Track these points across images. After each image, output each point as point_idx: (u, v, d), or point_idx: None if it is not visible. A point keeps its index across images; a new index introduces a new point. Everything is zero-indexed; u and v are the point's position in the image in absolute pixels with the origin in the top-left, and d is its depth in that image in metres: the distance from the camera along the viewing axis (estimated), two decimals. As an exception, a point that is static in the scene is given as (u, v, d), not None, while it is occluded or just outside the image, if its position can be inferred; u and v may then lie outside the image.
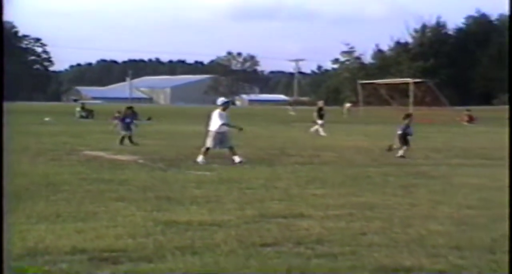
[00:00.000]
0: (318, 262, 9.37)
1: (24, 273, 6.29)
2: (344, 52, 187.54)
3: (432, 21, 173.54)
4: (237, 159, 24.51)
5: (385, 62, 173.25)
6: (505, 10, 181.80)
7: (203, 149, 24.95)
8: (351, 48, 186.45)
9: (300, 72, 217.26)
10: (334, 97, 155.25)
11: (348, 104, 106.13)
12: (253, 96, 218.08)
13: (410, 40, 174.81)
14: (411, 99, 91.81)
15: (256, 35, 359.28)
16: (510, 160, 6.40)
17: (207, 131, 25.71)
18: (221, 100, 27.24)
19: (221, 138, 25.49)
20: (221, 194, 16.06)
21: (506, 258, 9.85)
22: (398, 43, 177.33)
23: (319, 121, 47.55)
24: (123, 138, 32.17)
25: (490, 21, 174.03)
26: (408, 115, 31.20)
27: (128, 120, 33.08)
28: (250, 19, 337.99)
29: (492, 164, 25.07)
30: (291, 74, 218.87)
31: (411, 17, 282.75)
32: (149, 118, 65.64)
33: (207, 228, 11.69)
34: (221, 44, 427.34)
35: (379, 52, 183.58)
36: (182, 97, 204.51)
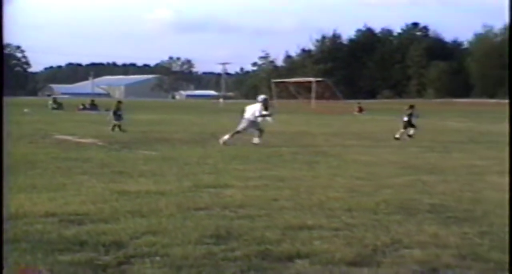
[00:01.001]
0: (239, 222, 9.38)
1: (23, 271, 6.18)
2: (261, 57, 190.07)
3: (330, 33, 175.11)
4: (256, 140, 25.19)
5: (293, 65, 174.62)
6: (388, 24, 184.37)
7: (233, 132, 25.61)
8: (267, 54, 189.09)
9: (227, 73, 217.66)
10: (253, 93, 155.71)
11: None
12: (189, 92, 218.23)
13: (313, 48, 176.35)
14: (313, 95, 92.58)
15: (192, 44, 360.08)
16: (510, 158, 6.34)
17: (242, 119, 26.25)
18: (261, 97, 28.11)
19: (254, 124, 26.07)
20: (164, 169, 16.03)
21: (387, 219, 9.99)
22: (303, 50, 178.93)
23: (264, 112, 47.46)
24: (114, 126, 31.60)
25: (375, 34, 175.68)
26: (411, 106, 30.91)
27: (119, 112, 32.60)
28: (188, 31, 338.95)
29: (377, 144, 25.37)
30: (219, 74, 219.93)
31: (314, 30, 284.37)
32: (107, 110, 65.20)
33: (152, 196, 11.65)
34: (165, 50, 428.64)
35: (288, 57, 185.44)
36: (133, 93, 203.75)
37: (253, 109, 26.36)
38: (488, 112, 66.76)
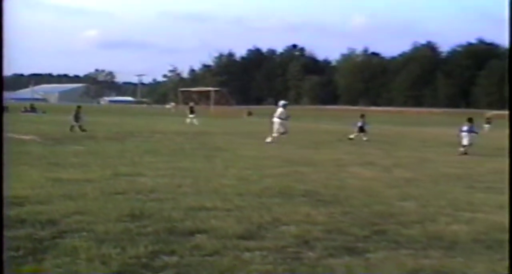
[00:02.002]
0: (151, 204, 9.35)
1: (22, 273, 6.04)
2: (170, 70, 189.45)
3: (226, 52, 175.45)
4: (269, 139, 25.54)
5: (196, 77, 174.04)
6: (272, 45, 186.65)
7: (276, 133, 26.02)
8: (175, 68, 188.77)
9: (142, 83, 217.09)
10: (163, 99, 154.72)
11: (172, 104, 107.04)
12: (111, 98, 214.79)
13: (212, 63, 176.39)
14: (212, 101, 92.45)
15: (115, 58, 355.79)
16: (510, 158, 6.39)
17: (272, 122, 26.90)
18: (282, 102, 27.96)
19: (284, 125, 26.54)
20: (90, 161, 15.78)
21: (269, 202, 10.11)
22: (204, 65, 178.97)
23: (191, 115, 47.32)
24: (72, 127, 30.45)
25: (262, 53, 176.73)
26: (362, 115, 30.58)
27: (79, 115, 31.53)
28: (111, 47, 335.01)
29: (262, 142, 25.52)
30: (136, 84, 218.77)
31: (213, 49, 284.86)
32: (44, 112, 64.45)
33: (80, 183, 11.48)
34: (92, 63, 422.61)
35: (192, 71, 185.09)
36: (66, 99, 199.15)
37: (280, 113, 26.83)
38: (351, 117, 67.84)
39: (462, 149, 22.25)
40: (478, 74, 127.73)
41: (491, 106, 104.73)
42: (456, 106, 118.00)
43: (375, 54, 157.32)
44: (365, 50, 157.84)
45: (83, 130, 29.85)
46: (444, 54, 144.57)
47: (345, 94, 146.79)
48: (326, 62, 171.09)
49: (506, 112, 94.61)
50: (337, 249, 6.91)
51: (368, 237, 7.61)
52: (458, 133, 23.50)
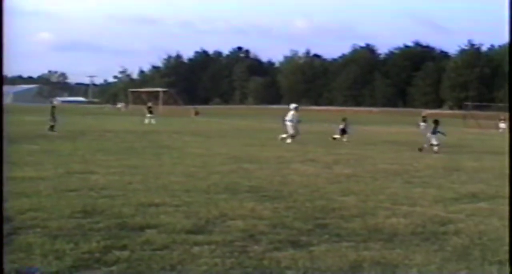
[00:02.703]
0: (102, 201, 9.27)
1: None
2: (120, 72, 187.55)
3: (174, 54, 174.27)
4: (289, 140, 25.50)
5: (145, 78, 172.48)
6: (219, 48, 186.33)
7: (289, 135, 25.95)
8: (125, 69, 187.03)
9: (94, 84, 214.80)
10: (113, 99, 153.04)
11: (121, 104, 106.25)
12: (64, 98, 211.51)
13: (161, 65, 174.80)
14: (160, 101, 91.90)
15: (67, 60, 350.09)
16: (510, 159, 6.34)
17: (284, 125, 26.99)
18: (294, 106, 27.87)
19: (295, 126, 26.40)
20: (43, 159, 15.58)
21: (216, 197, 10.11)
22: (153, 66, 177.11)
23: (149, 115, 46.93)
24: (52, 126, 29.52)
25: (208, 55, 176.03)
26: (344, 119, 28.89)
27: (54, 115, 30.74)
28: (63, 50, 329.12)
29: (209, 140, 25.48)
30: (88, 85, 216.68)
31: (162, 51, 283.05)
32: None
33: (34, 181, 11.34)
34: (45, 65, 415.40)
35: (142, 72, 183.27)
36: (20, 99, 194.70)
37: (291, 116, 26.77)
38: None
39: (435, 148, 22.32)
40: (414, 75, 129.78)
41: (426, 105, 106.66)
42: (394, 105, 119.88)
43: (316, 56, 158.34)
44: (307, 52, 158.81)
45: (52, 129, 29.26)
46: (382, 56, 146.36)
47: (288, 94, 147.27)
48: (270, 64, 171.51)
49: (442, 111, 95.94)
50: (282, 242, 6.96)
51: (311, 230, 7.68)
52: (427, 135, 23.59)
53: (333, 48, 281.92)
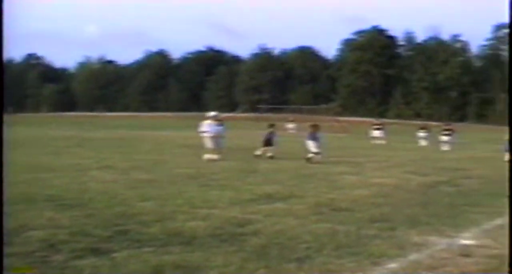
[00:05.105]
0: None
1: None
2: None
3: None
4: (211, 156, 20.64)
5: None
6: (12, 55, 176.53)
7: (210, 151, 21.12)
8: None
9: None
10: None
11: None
12: None
13: None
14: None
15: None
16: (510, 159, 6.15)
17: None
18: (212, 114, 23.01)
19: (215, 139, 21.64)
20: None
21: (13, 208, 9.71)
22: None
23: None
24: None
25: (112, 62, 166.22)
26: (272, 125, 24.04)
27: None
28: None
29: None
30: None
31: None
32: None
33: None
34: None
35: None
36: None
37: (205, 125, 22.17)
38: (88, 123, 67.01)
39: (317, 156, 20.78)
40: (207, 80, 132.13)
41: (220, 109, 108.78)
42: (188, 110, 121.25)
43: (110, 62, 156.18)
44: (101, 58, 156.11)
45: None
46: (175, 61, 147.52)
47: (82, 101, 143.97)
48: (64, 70, 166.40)
49: (236, 114, 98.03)
50: (83, 250, 6.90)
51: (112, 237, 7.67)
52: (306, 141, 21.81)
53: (126, 54, 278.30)
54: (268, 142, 22.86)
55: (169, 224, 8.63)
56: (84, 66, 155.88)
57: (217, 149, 21.25)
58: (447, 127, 35.01)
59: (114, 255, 6.76)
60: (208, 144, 21.62)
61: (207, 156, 20.61)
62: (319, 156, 20.73)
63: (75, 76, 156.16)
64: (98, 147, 27.08)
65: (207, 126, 21.93)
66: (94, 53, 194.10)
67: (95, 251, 6.89)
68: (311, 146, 21.18)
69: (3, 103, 3.44)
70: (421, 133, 38.20)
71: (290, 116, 60.78)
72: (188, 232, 8.10)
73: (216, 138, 21.70)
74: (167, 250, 7.04)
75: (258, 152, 22.58)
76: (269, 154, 22.28)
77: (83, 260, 6.50)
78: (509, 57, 6.16)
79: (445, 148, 32.57)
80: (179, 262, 6.51)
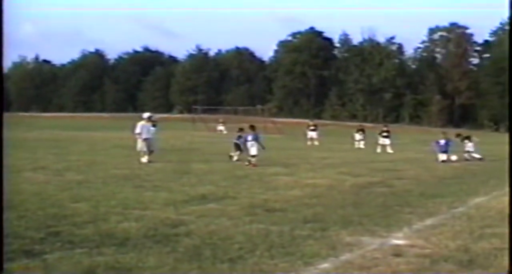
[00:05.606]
0: None
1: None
2: None
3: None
4: (144, 159, 20.27)
5: None
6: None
7: (143, 153, 20.69)
8: None
9: None
10: None
11: None
12: None
13: None
14: None
15: None
16: (510, 160, 5.92)
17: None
18: (146, 115, 22.23)
19: (148, 141, 21.07)
20: None
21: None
22: None
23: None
24: None
25: (48, 62, 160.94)
26: (241, 129, 23.42)
27: None
28: None
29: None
30: None
31: None
32: None
33: None
34: None
35: None
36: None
37: (138, 127, 21.51)
38: (23, 124, 65.47)
39: (253, 159, 20.36)
40: (144, 80, 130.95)
41: (156, 110, 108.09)
42: (124, 110, 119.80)
43: (46, 61, 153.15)
44: (36, 58, 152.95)
45: None
46: (112, 61, 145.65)
47: (17, 101, 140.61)
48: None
49: (171, 115, 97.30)
50: (15, 252, 6.81)
51: (44, 239, 7.58)
52: (244, 143, 21.51)
53: (62, 54, 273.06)
54: (238, 146, 22.62)
55: (102, 225, 8.58)
56: (19, 66, 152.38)
57: (149, 151, 20.93)
58: (385, 129, 35.26)
59: (46, 256, 6.69)
60: (140, 146, 21.29)
61: (143, 159, 20.44)
62: (254, 159, 20.51)
63: (10, 76, 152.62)
64: (33, 147, 26.54)
65: (140, 128, 21.50)
66: (30, 53, 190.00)
67: (27, 253, 6.81)
68: (251, 148, 20.88)
69: (3, 104, 3.39)
70: (358, 135, 38.52)
71: (221, 118, 60.95)
72: (121, 233, 8.07)
73: (148, 139, 21.35)
74: (100, 251, 7.00)
75: (235, 157, 22.28)
76: (235, 158, 22.21)
77: (15, 262, 6.40)
78: (509, 57, 6.23)
79: (388, 150, 32.42)
80: (112, 263, 6.49)
